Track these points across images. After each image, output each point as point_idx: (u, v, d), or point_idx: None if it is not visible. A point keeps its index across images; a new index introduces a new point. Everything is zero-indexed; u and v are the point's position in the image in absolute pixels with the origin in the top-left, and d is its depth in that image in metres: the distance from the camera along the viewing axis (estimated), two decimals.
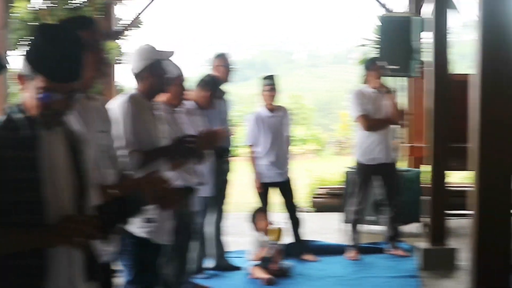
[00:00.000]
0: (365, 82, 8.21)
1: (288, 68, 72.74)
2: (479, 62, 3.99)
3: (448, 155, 7.59)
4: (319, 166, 19.72)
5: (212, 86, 7.05)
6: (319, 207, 11.94)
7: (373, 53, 11.24)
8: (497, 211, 4.06)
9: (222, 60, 7.63)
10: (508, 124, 4.00)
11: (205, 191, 6.73)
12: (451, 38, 7.64)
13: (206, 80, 7.08)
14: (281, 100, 8.39)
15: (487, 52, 3.97)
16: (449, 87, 7.65)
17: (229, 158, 7.54)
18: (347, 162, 8.74)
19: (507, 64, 3.98)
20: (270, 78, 8.14)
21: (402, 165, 10.51)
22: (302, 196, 12.04)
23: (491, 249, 4.10)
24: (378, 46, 10.55)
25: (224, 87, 7.48)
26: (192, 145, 4.89)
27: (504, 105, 3.98)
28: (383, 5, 11.54)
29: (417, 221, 9.43)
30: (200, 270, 7.24)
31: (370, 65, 8.17)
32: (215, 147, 6.07)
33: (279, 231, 7.52)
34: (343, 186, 9.58)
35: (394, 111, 8.08)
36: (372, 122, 8.03)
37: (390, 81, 10.00)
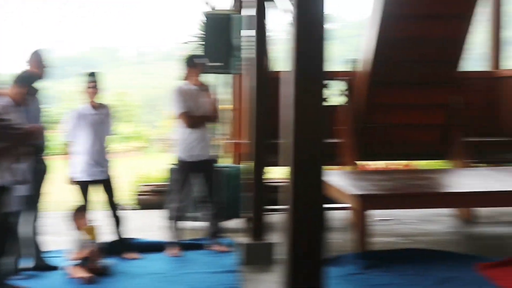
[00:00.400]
0: (186, 79, 8.23)
1: (115, 65, 71.91)
2: (293, 59, 4.06)
3: (268, 151, 7.70)
4: (145, 163, 19.62)
5: (28, 82, 6.86)
6: (144, 204, 11.88)
7: (198, 50, 11.27)
8: (310, 205, 4.14)
9: (38, 57, 7.44)
10: (320, 121, 4.08)
11: (21, 190, 6.54)
12: (275, 35, 7.76)
13: (22, 77, 6.88)
14: (106, 97, 8.27)
15: (301, 49, 4.04)
16: (270, 84, 7.76)
17: (45, 156, 7.35)
18: (171, 159, 8.73)
19: (320, 61, 4.07)
20: (92, 75, 8.01)
21: (225, 161, 10.60)
22: (126, 193, 11.94)
23: (304, 243, 4.17)
24: (202, 43, 10.59)
25: (39, 84, 7.29)
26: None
27: (316, 102, 4.07)
28: (207, 2, 11.59)
29: (238, 216, 9.54)
30: (17, 271, 7.02)
31: (190, 62, 8.21)
32: (31, 144, 5.91)
33: (93, 229, 7.43)
34: (167, 183, 9.56)
35: (214, 108, 8.18)
36: (193, 119, 8.08)
37: (213, 78, 10.06)
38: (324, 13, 4.06)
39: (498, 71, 11.96)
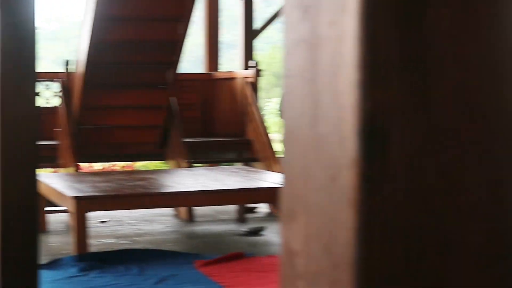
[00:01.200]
0: None
1: None
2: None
3: None
4: None
5: None
6: None
7: None
8: (21, 209, 4.06)
9: None
10: (31, 122, 4.03)
11: None
12: None
13: None
14: None
15: (7, 49, 3.95)
16: None
17: None
18: None
19: (30, 61, 4.01)
20: None
21: None
22: None
23: (16, 248, 4.08)
24: None
25: None
26: None
27: (25, 103, 4.00)
28: None
29: None
30: None
31: None
32: None
33: None
34: None
35: None
36: None
37: None
38: (34, 12, 4.00)
39: (214, 74, 12.33)
